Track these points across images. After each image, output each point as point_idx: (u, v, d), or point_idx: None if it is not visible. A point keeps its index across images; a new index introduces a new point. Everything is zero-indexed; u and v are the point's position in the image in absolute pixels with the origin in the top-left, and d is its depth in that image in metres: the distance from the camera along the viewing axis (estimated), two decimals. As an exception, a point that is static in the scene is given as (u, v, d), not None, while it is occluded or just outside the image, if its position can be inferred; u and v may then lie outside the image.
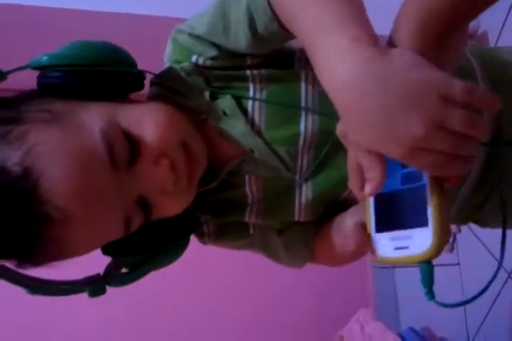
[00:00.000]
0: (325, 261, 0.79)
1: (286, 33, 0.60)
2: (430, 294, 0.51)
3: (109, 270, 0.68)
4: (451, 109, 0.42)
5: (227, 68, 0.68)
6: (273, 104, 0.66)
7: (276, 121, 0.67)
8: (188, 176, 0.63)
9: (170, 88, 0.69)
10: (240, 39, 0.64)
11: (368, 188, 0.50)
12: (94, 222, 0.58)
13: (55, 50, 0.62)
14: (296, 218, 0.73)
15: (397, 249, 0.54)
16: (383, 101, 0.44)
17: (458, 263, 2.15)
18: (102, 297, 0.67)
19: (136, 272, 0.69)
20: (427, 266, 0.52)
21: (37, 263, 0.59)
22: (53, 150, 0.55)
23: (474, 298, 0.50)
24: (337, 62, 0.47)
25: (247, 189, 0.72)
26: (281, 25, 0.60)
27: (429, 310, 2.03)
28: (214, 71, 0.68)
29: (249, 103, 0.67)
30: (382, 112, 0.44)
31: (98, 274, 0.67)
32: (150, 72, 0.70)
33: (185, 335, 2.32)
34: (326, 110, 0.64)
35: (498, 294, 1.87)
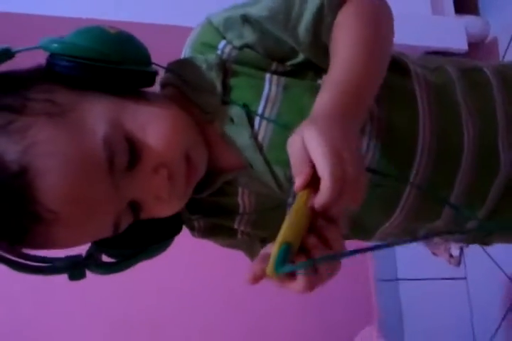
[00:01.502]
0: None
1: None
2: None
3: (90, 253, 0.67)
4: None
5: (249, 64, 0.67)
6: (281, 126, 0.64)
7: (281, 142, 0.63)
8: (186, 185, 0.63)
9: (184, 79, 0.68)
10: (298, 34, 0.66)
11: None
12: (84, 225, 0.58)
13: (68, 34, 0.61)
14: None
15: None
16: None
17: (465, 278, 2.09)
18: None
19: (122, 264, 0.69)
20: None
21: (25, 247, 0.61)
22: (53, 153, 0.55)
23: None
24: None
25: (240, 199, 0.71)
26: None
27: (434, 326, 1.95)
28: (234, 65, 0.67)
29: (257, 118, 0.65)
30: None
31: (80, 255, 0.66)
32: (164, 67, 0.69)
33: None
34: None
35: (508, 309, 1.80)
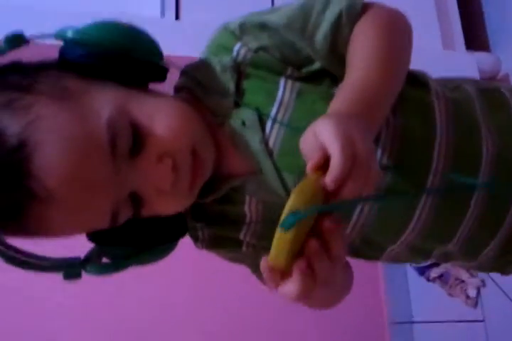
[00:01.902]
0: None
1: None
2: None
3: (89, 256, 0.66)
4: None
5: (264, 67, 0.67)
6: (294, 129, 0.62)
7: (292, 148, 0.62)
8: (191, 181, 0.62)
9: (198, 81, 0.68)
10: (316, 42, 0.66)
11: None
12: (80, 209, 0.56)
13: (82, 25, 0.62)
14: None
15: None
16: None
17: (483, 320, 2.01)
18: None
19: (116, 264, 0.67)
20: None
21: (17, 232, 0.58)
22: (55, 129, 0.54)
23: None
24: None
25: (246, 208, 0.69)
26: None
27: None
28: (249, 69, 0.67)
29: (269, 121, 0.65)
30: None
31: (78, 257, 0.66)
32: (175, 65, 0.68)
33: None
34: None
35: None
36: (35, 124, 0.54)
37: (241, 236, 0.72)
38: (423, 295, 2.18)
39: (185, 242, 0.73)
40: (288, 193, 0.64)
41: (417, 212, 0.67)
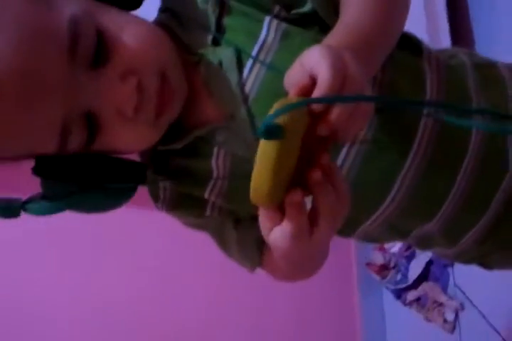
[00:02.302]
0: (273, 271, 0.70)
1: None
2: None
3: (32, 197, 0.60)
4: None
5: (249, 2, 0.60)
6: (275, 70, 0.57)
7: (269, 94, 0.58)
8: (158, 110, 0.55)
9: (177, 16, 0.62)
10: None
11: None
12: (25, 111, 0.49)
13: None
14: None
15: None
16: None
17: (460, 344, 1.91)
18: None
19: (58, 202, 0.59)
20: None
21: None
22: (13, 12, 0.49)
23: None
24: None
25: (213, 162, 0.63)
26: None
27: None
28: (232, 2, 0.60)
29: (249, 62, 0.59)
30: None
31: (20, 198, 0.59)
32: None
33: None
34: None
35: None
36: None
37: (206, 195, 0.66)
38: (399, 319, 2.10)
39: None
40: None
41: (399, 179, 0.62)
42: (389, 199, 0.63)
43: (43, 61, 0.49)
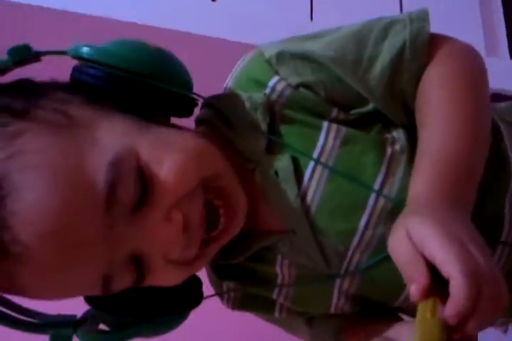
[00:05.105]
0: None
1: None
2: None
3: (85, 318, 0.55)
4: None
5: (304, 109, 0.56)
6: (341, 175, 0.54)
7: (332, 206, 0.54)
8: (218, 234, 0.52)
9: (224, 116, 0.57)
10: (370, 79, 0.55)
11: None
12: (59, 273, 0.44)
13: (99, 43, 0.52)
14: (333, 312, 0.62)
15: None
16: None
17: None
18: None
19: (112, 335, 0.55)
20: None
21: None
22: (40, 168, 0.43)
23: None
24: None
25: (278, 268, 0.59)
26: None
27: None
28: (285, 110, 0.56)
29: (309, 167, 0.54)
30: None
31: (74, 316, 0.54)
32: (204, 98, 0.58)
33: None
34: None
35: None
36: (17, 159, 0.43)
37: (274, 296, 0.62)
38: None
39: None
40: (326, 261, 0.56)
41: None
42: None
43: (75, 219, 0.43)
